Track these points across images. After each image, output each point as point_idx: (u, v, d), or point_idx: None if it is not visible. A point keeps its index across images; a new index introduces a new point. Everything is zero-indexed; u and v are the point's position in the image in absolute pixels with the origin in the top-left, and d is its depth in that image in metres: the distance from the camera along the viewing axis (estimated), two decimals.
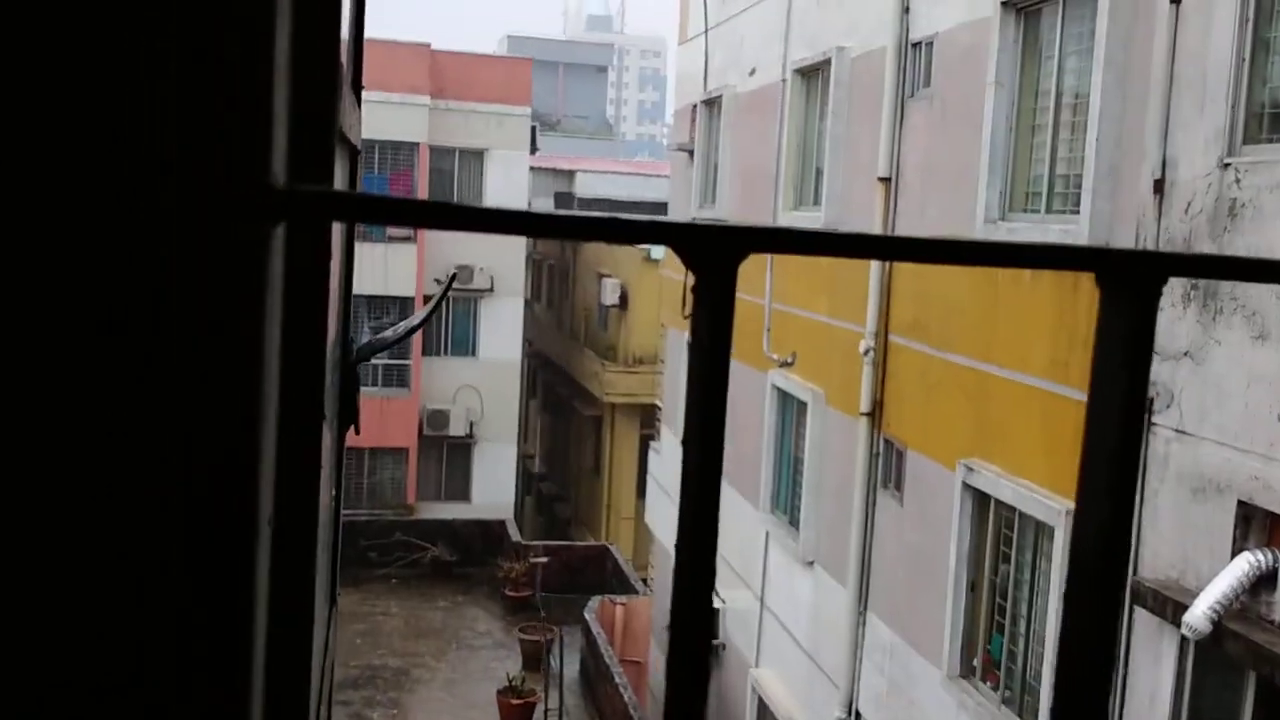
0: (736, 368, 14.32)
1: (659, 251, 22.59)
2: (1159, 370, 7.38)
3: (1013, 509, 9.24)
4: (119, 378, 0.60)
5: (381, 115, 25.48)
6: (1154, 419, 7.40)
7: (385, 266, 26.78)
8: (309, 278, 0.86)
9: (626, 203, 37.00)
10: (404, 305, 26.77)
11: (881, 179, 11.47)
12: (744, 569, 14.99)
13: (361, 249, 23.58)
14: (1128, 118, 7.95)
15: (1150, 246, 7.25)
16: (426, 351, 28.52)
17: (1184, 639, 6.95)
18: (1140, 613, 7.37)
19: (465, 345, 29.35)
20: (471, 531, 26.83)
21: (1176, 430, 7.26)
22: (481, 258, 28.43)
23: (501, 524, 27.35)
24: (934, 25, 10.79)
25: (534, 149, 31.39)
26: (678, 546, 0.54)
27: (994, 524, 9.59)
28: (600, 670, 19.28)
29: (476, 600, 24.54)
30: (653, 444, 20.66)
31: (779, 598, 14.04)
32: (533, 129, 30.64)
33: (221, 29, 0.59)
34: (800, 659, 13.26)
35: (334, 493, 3.13)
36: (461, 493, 29.41)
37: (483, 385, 28.99)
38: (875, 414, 11.56)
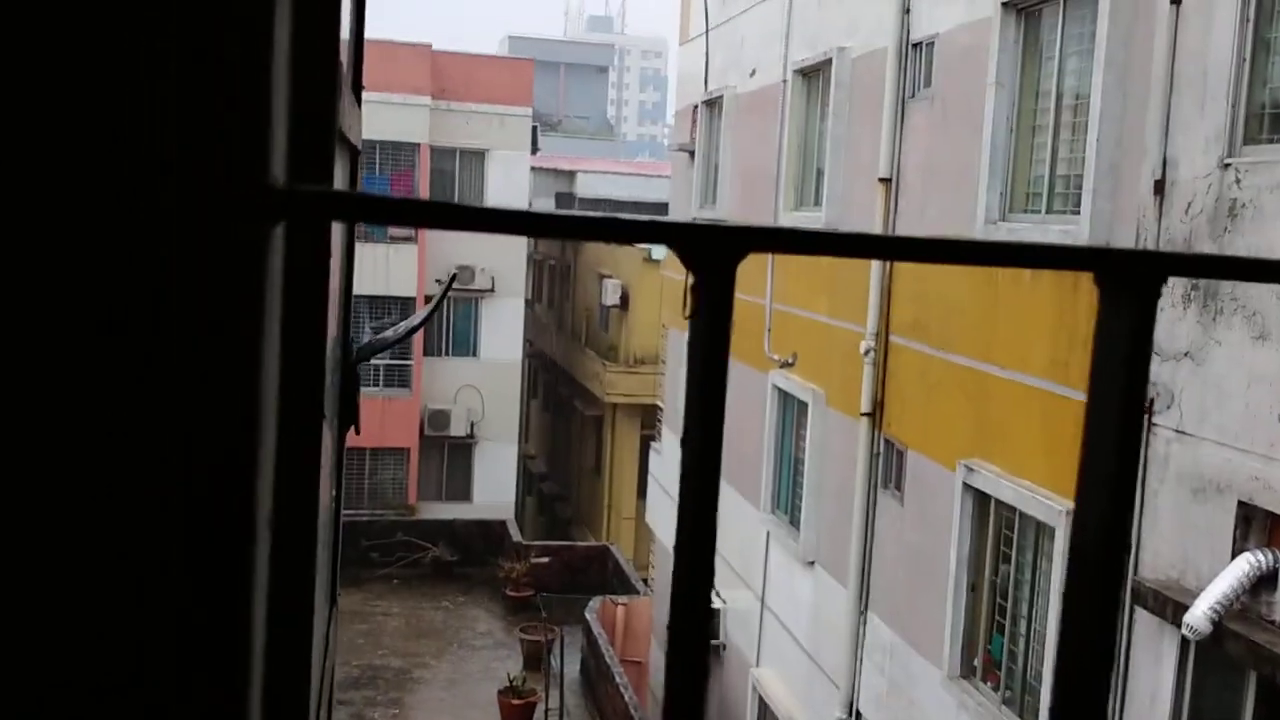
0: (738, 368, 14.32)
1: (660, 252, 22.60)
2: (1159, 371, 7.38)
3: (1013, 509, 9.24)
4: (119, 378, 0.60)
5: (383, 116, 25.50)
6: (1154, 419, 7.40)
7: (386, 267, 26.80)
8: (309, 277, 0.86)
9: (627, 203, 37.01)
10: (405, 306, 26.77)
11: (882, 180, 11.47)
12: (745, 569, 15.00)
13: (363, 250, 23.62)
14: (1128, 118, 7.95)
15: (1151, 247, 7.25)
16: (428, 352, 28.54)
17: (1184, 639, 6.95)
18: (1141, 613, 7.37)
19: (466, 345, 29.37)
20: (472, 531, 26.84)
21: (1177, 431, 7.25)
22: (482, 258, 28.44)
23: (502, 524, 27.36)
24: (935, 26, 10.79)
25: (535, 149, 31.41)
26: (676, 545, 0.54)
27: (994, 524, 9.59)
28: (601, 670, 19.28)
29: (477, 600, 24.54)
30: (653, 444, 20.67)
31: (779, 598, 14.04)
32: (534, 129, 30.66)
33: (221, 29, 0.59)
34: (801, 659, 13.26)
35: (334, 492, 3.13)
36: (462, 493, 29.42)
37: (484, 385, 29.00)
38: (876, 414, 11.57)
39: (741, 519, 14.76)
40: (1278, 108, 6.86)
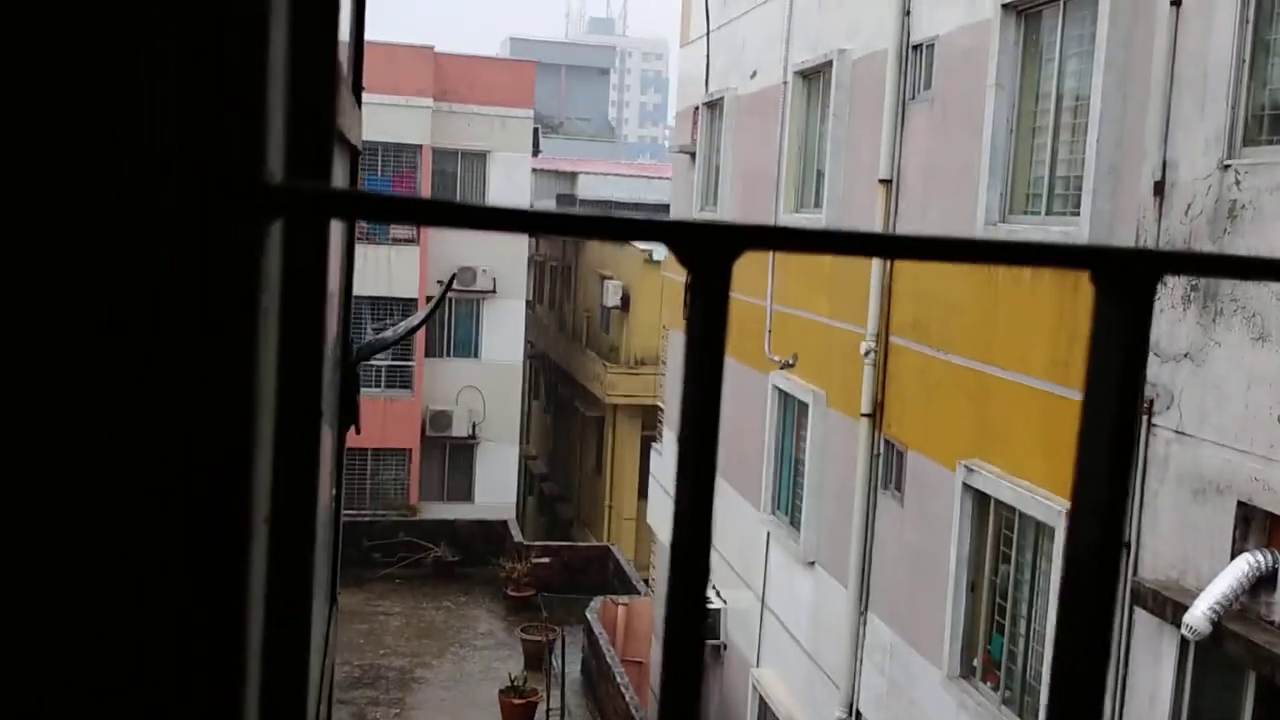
0: (739, 369, 14.32)
1: (660, 253, 22.60)
2: (1159, 371, 7.38)
3: (1013, 509, 9.24)
4: (119, 378, 0.60)
5: (385, 117, 25.52)
6: (1154, 420, 7.40)
7: (388, 268, 26.81)
8: (307, 276, 0.86)
9: (628, 204, 37.02)
10: (407, 306, 26.77)
11: (882, 181, 11.47)
12: (745, 569, 15.00)
13: (365, 251, 23.62)
14: (1128, 119, 7.95)
15: (1150, 248, 7.24)
16: (429, 353, 28.56)
17: (1184, 639, 6.94)
18: (1140, 613, 7.37)
19: (468, 346, 29.39)
20: (474, 532, 26.84)
21: (1176, 431, 7.25)
22: (484, 259, 28.46)
23: (504, 524, 27.36)
24: (935, 28, 10.79)
25: (536, 151, 31.41)
26: (672, 542, 0.54)
27: (994, 524, 9.59)
28: (602, 670, 19.28)
29: (479, 600, 24.54)
30: (654, 445, 20.68)
31: (780, 598, 14.04)
32: (535, 131, 30.66)
33: (221, 29, 0.60)
34: (801, 659, 13.26)
35: (335, 492, 3.13)
36: (464, 493, 29.43)
37: (485, 386, 29.01)
38: (876, 415, 11.57)
39: (742, 519, 14.76)
40: (1277, 109, 6.86)
